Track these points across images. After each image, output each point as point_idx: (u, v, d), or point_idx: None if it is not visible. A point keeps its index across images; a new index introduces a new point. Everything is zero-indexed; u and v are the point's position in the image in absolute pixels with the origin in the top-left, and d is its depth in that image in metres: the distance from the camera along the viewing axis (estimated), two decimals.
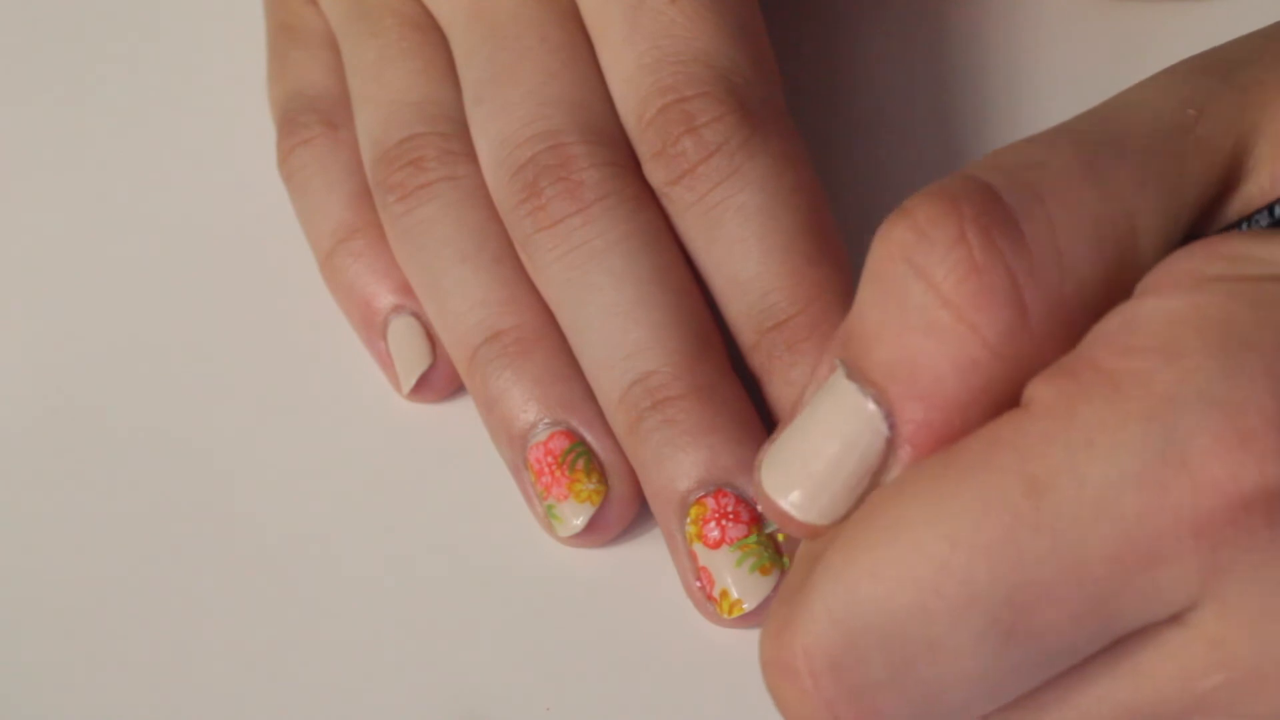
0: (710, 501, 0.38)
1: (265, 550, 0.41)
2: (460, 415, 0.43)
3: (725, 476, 0.38)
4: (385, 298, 0.43)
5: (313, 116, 0.44)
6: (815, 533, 0.30)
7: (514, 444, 0.40)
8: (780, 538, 0.38)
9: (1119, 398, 0.26)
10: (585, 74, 0.41)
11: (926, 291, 0.28)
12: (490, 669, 0.39)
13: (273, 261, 0.46)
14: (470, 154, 0.42)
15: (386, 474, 0.42)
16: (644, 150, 0.40)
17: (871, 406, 0.29)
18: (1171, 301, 0.27)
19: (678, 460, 0.38)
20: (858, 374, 0.29)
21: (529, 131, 0.40)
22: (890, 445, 0.29)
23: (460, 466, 0.42)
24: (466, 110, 0.42)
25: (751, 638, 0.38)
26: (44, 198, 0.48)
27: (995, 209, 0.28)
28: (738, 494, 0.38)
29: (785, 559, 0.38)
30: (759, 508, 0.30)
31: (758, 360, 0.39)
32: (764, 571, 0.38)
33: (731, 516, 0.38)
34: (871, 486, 0.29)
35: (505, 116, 0.41)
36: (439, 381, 0.43)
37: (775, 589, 0.38)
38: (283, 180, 0.45)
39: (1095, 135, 0.30)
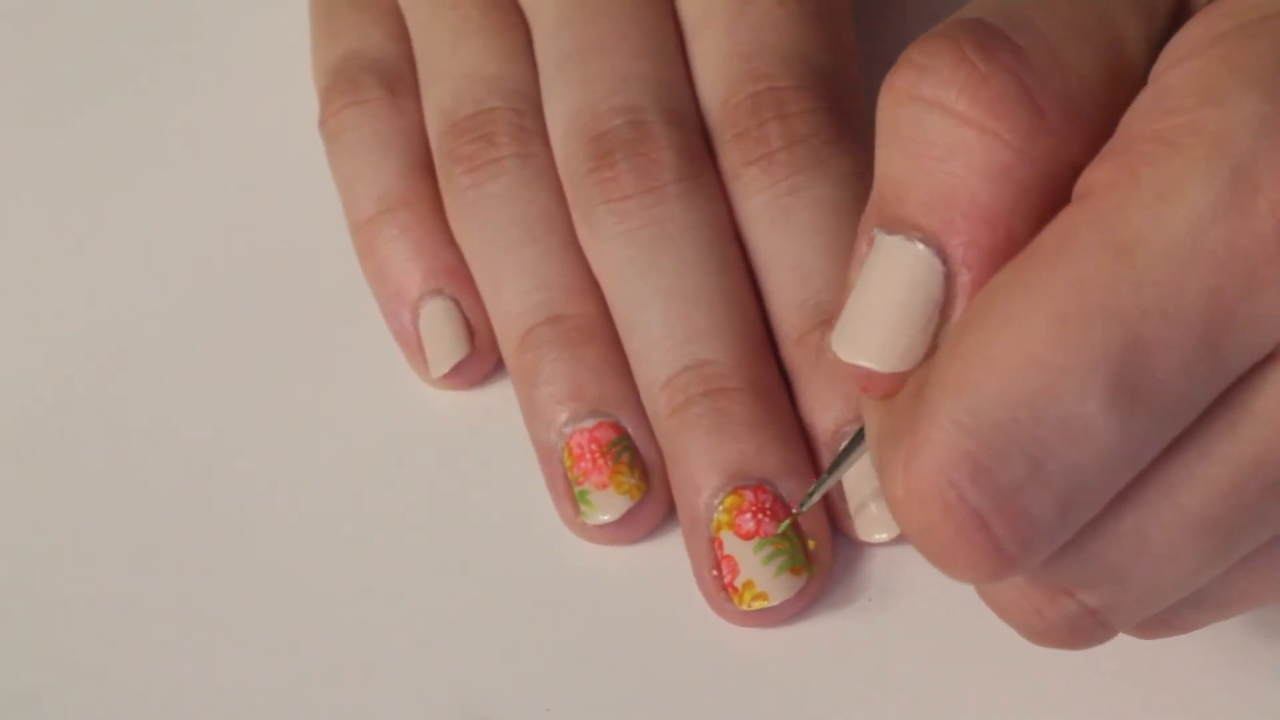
0: (749, 494, 0.38)
1: (265, 548, 0.41)
2: (462, 414, 0.42)
3: (769, 474, 0.38)
4: (426, 277, 0.42)
5: (373, 78, 0.44)
6: (896, 385, 0.29)
7: (553, 426, 0.40)
8: (811, 544, 0.38)
9: (1176, 151, 0.27)
10: (672, 59, 0.41)
11: (942, 117, 0.29)
12: (490, 669, 0.39)
13: (279, 250, 0.46)
14: (543, 134, 0.42)
15: (385, 472, 0.42)
16: (725, 131, 0.40)
17: (919, 247, 0.29)
18: (1196, 61, 0.28)
19: (724, 448, 0.38)
20: (898, 226, 0.29)
21: (610, 103, 0.40)
22: (948, 277, 0.29)
23: (461, 466, 0.42)
24: (544, 80, 0.42)
25: (751, 638, 0.38)
26: (49, 194, 0.48)
27: (987, 30, 0.29)
28: (775, 494, 0.38)
29: (814, 566, 0.38)
30: (839, 379, 0.31)
31: (799, 352, 0.39)
32: (794, 572, 0.37)
33: (769, 513, 0.38)
34: (942, 323, 0.29)
35: (587, 87, 0.41)
36: (472, 371, 0.42)
37: (799, 592, 0.38)
38: (325, 138, 0.44)
39: None
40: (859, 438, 0.36)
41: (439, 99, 0.43)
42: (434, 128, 0.43)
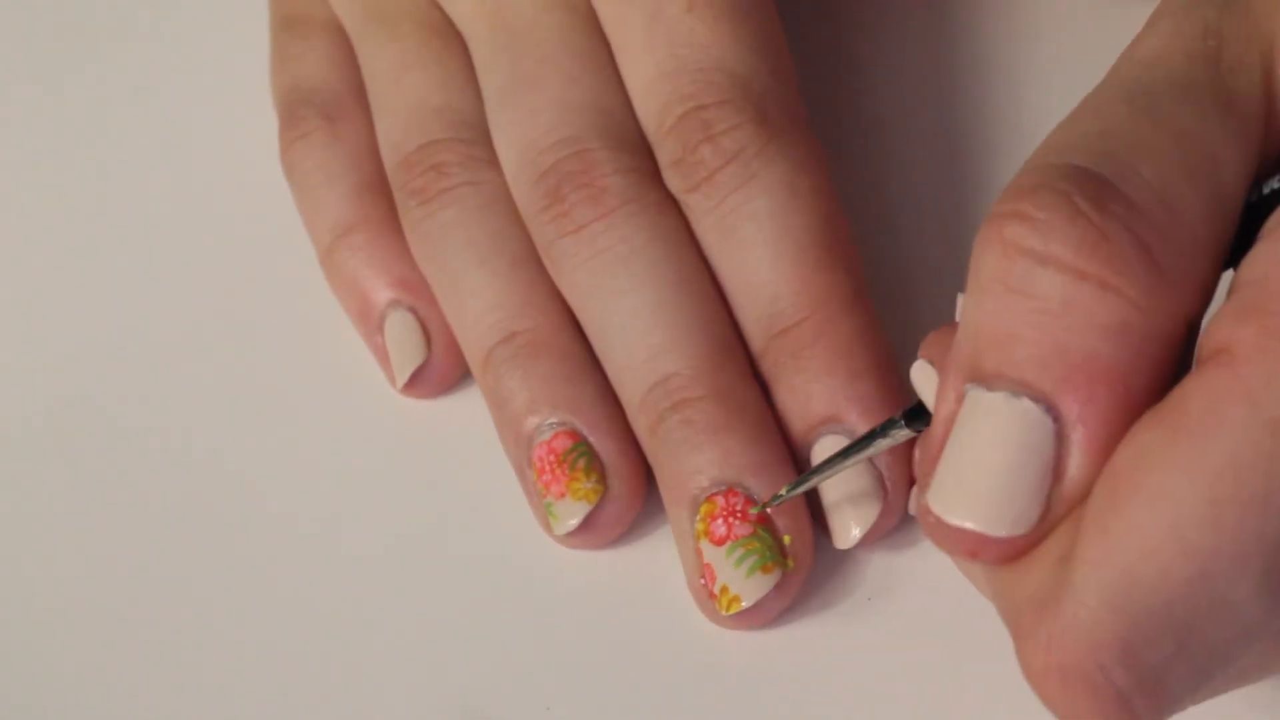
0: (720, 500, 0.38)
1: (265, 548, 0.41)
2: (461, 414, 0.43)
3: (737, 476, 0.38)
4: (382, 292, 0.43)
5: (310, 110, 0.45)
6: (1007, 551, 0.29)
7: (520, 443, 0.40)
8: (786, 539, 0.38)
9: None
10: (607, 81, 0.42)
11: (1057, 273, 0.28)
12: (490, 669, 0.39)
13: (275, 257, 0.46)
14: (492, 159, 0.42)
15: (386, 472, 0.42)
16: (664, 158, 0.41)
17: (1027, 404, 0.29)
18: None
19: (692, 458, 0.38)
20: (1001, 382, 0.29)
21: (552, 138, 0.41)
22: (1060, 436, 0.29)
23: (462, 465, 0.42)
24: (489, 116, 0.42)
25: (753, 638, 0.39)
26: (44, 196, 0.48)
27: (1093, 180, 0.29)
28: (747, 494, 0.38)
29: (790, 560, 0.38)
30: (940, 543, 0.30)
31: (765, 366, 0.40)
32: (765, 570, 0.38)
33: (739, 515, 0.38)
34: (1056, 483, 0.29)
35: (528, 123, 0.41)
36: (433, 377, 0.43)
37: (774, 588, 0.38)
38: (285, 175, 0.45)
39: (1135, 90, 0.30)
40: (845, 452, 0.36)
41: (389, 133, 0.44)
42: (388, 162, 0.44)
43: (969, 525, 0.29)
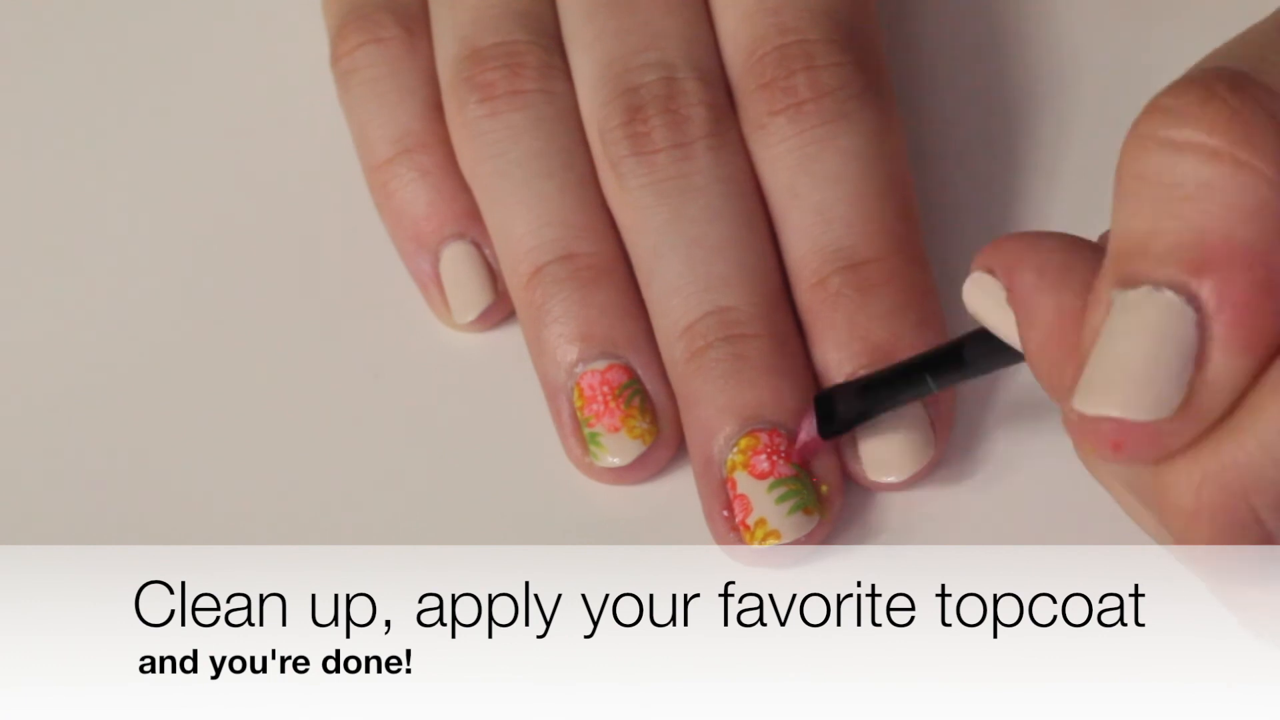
0: (764, 436, 0.38)
1: (274, 485, 0.41)
2: (473, 355, 0.42)
3: (785, 419, 0.38)
4: (446, 221, 0.42)
5: (389, 16, 0.43)
6: (1151, 442, 0.29)
7: (562, 367, 0.40)
8: (823, 489, 0.38)
9: None
10: (699, 13, 0.42)
11: (1191, 156, 0.28)
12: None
13: (290, 190, 0.45)
14: (568, 74, 0.42)
15: (384, 469, 0.41)
16: (751, 82, 0.41)
17: (1167, 295, 0.28)
18: None
19: (741, 393, 0.38)
20: (1140, 280, 0.29)
21: (642, 59, 0.41)
22: (1201, 324, 0.28)
23: (464, 459, 0.41)
24: (569, 30, 0.42)
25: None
26: (37, 188, 0.47)
27: (1229, 71, 0.29)
28: (791, 438, 0.38)
29: (825, 510, 0.38)
30: (1077, 442, 0.30)
31: (818, 296, 0.39)
32: (807, 513, 0.38)
33: (783, 455, 0.38)
34: (1199, 371, 0.28)
35: (618, 39, 0.41)
36: (495, 315, 0.42)
37: (812, 532, 0.38)
38: (338, 76, 0.44)
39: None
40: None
41: (458, 25, 0.42)
42: (449, 53, 0.42)
43: (1111, 412, 0.29)
